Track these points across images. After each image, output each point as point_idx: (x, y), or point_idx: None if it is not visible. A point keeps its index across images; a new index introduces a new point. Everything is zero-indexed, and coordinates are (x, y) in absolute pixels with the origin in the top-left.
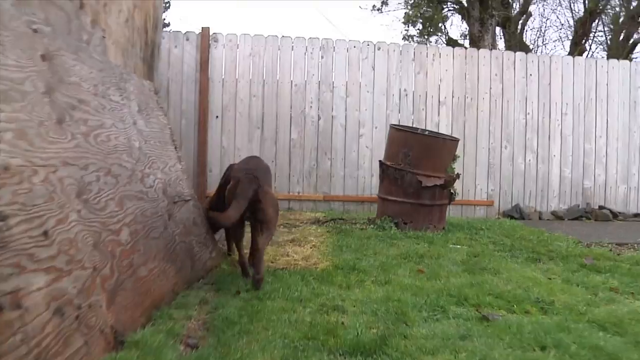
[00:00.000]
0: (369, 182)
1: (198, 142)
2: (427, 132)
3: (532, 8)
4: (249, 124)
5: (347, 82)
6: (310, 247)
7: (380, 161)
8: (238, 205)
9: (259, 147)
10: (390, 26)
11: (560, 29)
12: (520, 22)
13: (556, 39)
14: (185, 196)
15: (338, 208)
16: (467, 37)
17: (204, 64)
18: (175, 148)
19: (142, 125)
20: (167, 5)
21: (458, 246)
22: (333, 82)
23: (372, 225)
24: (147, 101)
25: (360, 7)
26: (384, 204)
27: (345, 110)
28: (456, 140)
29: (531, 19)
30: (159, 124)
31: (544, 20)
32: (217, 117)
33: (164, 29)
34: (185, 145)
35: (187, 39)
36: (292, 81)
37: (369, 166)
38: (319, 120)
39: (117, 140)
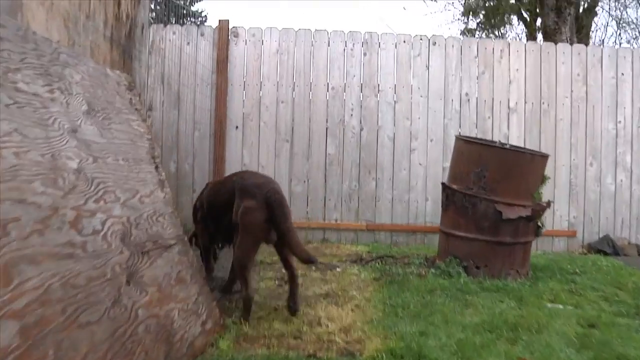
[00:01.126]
0: (423, 208)
1: (214, 159)
2: (507, 146)
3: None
4: (275, 136)
5: (395, 84)
6: (352, 309)
7: (443, 184)
8: (292, 229)
9: (288, 164)
10: (441, 27)
11: (633, 27)
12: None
13: (630, 38)
14: (166, 240)
15: (384, 239)
16: (533, 34)
17: (221, 63)
18: (157, 168)
19: (92, 134)
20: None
21: (560, 306)
22: (378, 85)
23: (433, 269)
24: (109, 99)
25: (404, 8)
26: (448, 241)
27: (394, 118)
28: (546, 157)
29: (596, 17)
30: (129, 133)
31: (614, 18)
32: (236, 127)
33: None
34: (199, 162)
35: (202, 34)
36: (328, 84)
37: (423, 188)
38: (361, 131)
39: (20, 159)
